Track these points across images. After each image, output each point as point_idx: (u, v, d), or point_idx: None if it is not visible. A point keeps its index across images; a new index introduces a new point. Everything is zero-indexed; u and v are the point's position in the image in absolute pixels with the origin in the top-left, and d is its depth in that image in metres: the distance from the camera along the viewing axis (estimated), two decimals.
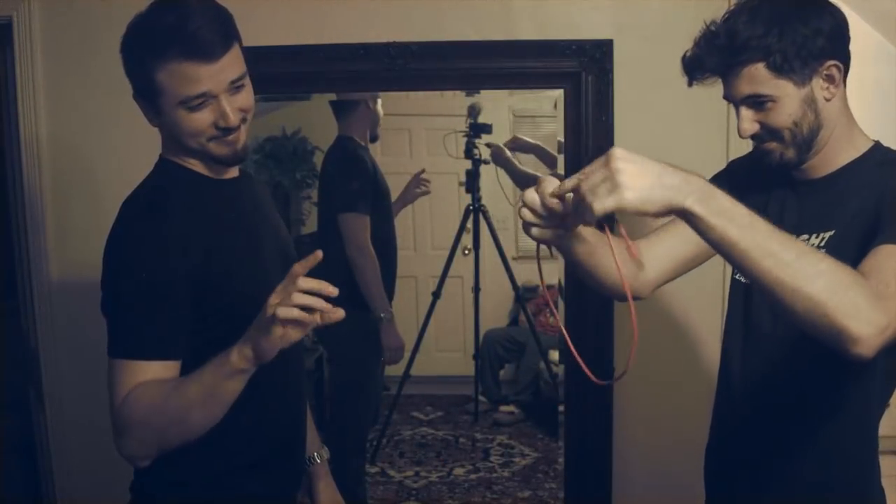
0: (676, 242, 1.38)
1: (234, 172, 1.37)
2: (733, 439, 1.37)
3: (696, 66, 1.26)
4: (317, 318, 1.11)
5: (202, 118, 1.24)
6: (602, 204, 0.95)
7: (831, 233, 1.22)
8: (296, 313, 1.07)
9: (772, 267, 0.98)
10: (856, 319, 0.97)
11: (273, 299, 1.10)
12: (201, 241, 1.24)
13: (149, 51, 1.22)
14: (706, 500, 1.48)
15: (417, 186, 2.69)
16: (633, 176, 0.95)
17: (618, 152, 0.95)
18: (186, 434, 1.21)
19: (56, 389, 2.15)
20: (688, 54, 1.27)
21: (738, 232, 0.97)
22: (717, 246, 0.99)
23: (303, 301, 1.08)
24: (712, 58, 1.24)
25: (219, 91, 1.23)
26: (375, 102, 2.50)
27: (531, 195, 1.05)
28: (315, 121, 2.54)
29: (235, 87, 1.25)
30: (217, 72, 1.22)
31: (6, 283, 2.31)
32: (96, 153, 2.09)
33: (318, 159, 2.60)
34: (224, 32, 1.23)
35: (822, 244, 1.22)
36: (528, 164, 2.57)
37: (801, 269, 0.98)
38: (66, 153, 2.10)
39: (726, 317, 1.41)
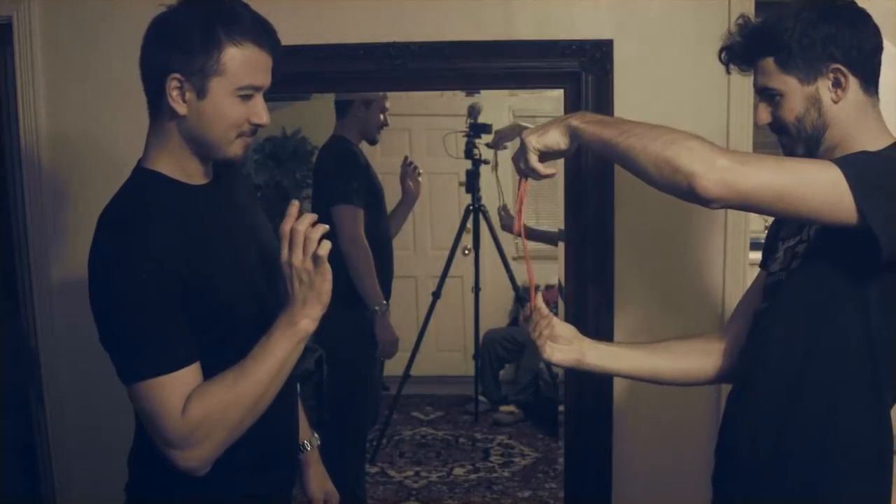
0: (744, 322, 1.51)
1: (208, 177, 1.36)
2: (745, 440, 1.37)
3: (727, 54, 1.38)
4: None
5: (243, 110, 1.26)
6: (531, 149, 1.33)
7: None
8: (329, 245, 1.21)
9: (627, 139, 1.23)
10: (690, 157, 1.16)
11: (294, 258, 1.20)
12: (182, 248, 1.23)
13: (224, 27, 1.22)
14: (713, 500, 1.47)
15: (412, 178, 2.69)
16: (533, 132, 1.34)
17: (523, 136, 1.34)
18: (256, 417, 1.24)
19: (56, 389, 2.15)
20: (724, 42, 1.39)
21: (604, 128, 1.29)
22: (594, 143, 1.29)
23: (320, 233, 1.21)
24: (737, 46, 1.36)
25: (265, 88, 1.27)
26: (367, 107, 2.50)
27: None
28: (315, 121, 2.54)
29: (265, 92, 1.29)
30: (270, 69, 1.27)
31: (6, 283, 2.31)
32: (96, 153, 2.09)
33: None
34: (277, 36, 1.29)
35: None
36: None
37: (649, 134, 1.22)
38: (66, 153, 2.10)
39: (752, 320, 1.45)
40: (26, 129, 2.08)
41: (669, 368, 1.54)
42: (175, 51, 1.23)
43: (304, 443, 1.58)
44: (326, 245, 1.21)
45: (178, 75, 1.23)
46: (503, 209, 2.75)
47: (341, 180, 2.52)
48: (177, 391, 1.20)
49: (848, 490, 1.26)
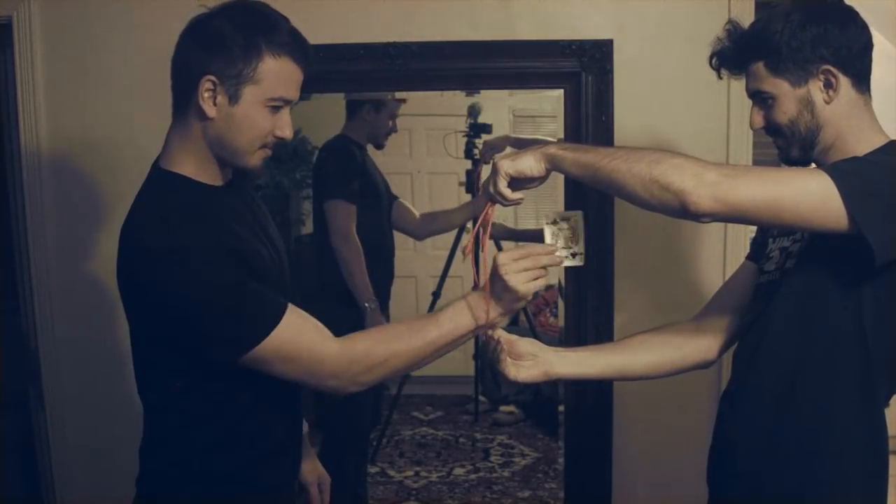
0: (729, 301, 1.53)
1: (225, 180, 1.36)
2: (739, 439, 1.38)
3: (718, 59, 1.39)
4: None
5: (271, 122, 1.27)
6: (502, 174, 1.30)
7: None
8: (535, 287, 1.30)
9: (610, 163, 1.23)
10: (678, 174, 1.17)
11: (507, 271, 1.27)
12: (218, 244, 1.24)
13: (265, 38, 1.23)
14: (709, 500, 1.48)
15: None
16: (506, 156, 1.31)
17: (496, 160, 1.32)
18: (411, 370, 1.36)
19: (56, 389, 2.15)
20: (714, 47, 1.39)
21: (584, 154, 1.28)
22: (575, 169, 1.27)
23: (540, 274, 1.30)
24: (727, 51, 1.36)
25: (293, 101, 1.29)
26: (377, 111, 2.51)
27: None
28: (315, 121, 2.53)
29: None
30: (300, 84, 1.29)
31: (6, 283, 2.31)
32: (96, 153, 2.09)
33: None
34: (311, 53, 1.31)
35: None
36: None
37: (632, 156, 1.22)
38: (66, 153, 2.10)
39: (745, 321, 1.46)
40: (26, 129, 2.08)
41: (641, 364, 1.53)
42: (213, 53, 1.23)
43: None
44: (543, 282, 1.31)
45: (213, 77, 1.23)
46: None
47: (335, 176, 2.53)
48: (310, 322, 1.26)
49: (842, 489, 1.27)
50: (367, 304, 2.47)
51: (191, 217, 1.23)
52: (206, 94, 1.24)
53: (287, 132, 1.30)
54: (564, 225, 1.33)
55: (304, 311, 1.28)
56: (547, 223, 1.33)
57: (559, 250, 1.32)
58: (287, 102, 1.28)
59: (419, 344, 1.29)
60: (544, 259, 1.30)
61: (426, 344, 1.29)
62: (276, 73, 1.24)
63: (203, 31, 1.25)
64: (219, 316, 1.21)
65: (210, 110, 1.24)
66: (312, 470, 1.62)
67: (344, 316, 2.49)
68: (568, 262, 1.33)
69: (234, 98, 1.24)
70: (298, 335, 1.25)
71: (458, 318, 1.31)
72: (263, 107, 1.25)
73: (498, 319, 1.33)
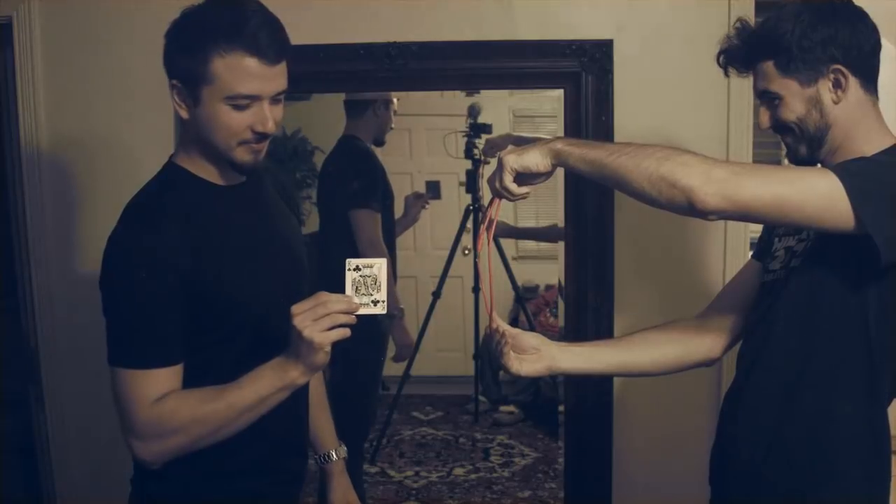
0: (734, 300, 1.53)
1: (240, 178, 1.37)
2: (742, 439, 1.38)
3: (726, 58, 1.39)
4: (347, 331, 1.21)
5: (241, 119, 1.25)
6: (508, 169, 1.30)
7: None
8: (334, 336, 1.18)
9: (617, 159, 1.22)
10: (686, 172, 1.17)
11: (301, 322, 1.17)
12: (192, 247, 1.25)
13: (212, 36, 1.21)
14: (711, 499, 1.48)
15: (416, 205, 2.69)
16: (512, 151, 1.30)
17: (501, 155, 1.31)
18: (219, 439, 1.25)
19: (56, 389, 2.15)
20: (722, 45, 1.39)
21: (591, 149, 1.27)
22: (582, 165, 1.26)
23: (337, 321, 1.19)
24: (735, 50, 1.36)
25: (265, 96, 1.25)
26: (387, 108, 2.51)
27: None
28: (315, 121, 2.53)
29: (276, 99, 1.27)
30: (271, 77, 1.24)
31: (6, 283, 2.31)
32: (96, 153, 2.09)
33: (318, 159, 2.59)
34: (284, 42, 1.26)
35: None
36: None
37: (640, 153, 1.22)
38: (66, 153, 2.10)
39: (749, 319, 1.46)
40: (26, 129, 2.08)
41: (644, 360, 1.52)
42: (173, 58, 1.25)
43: (329, 453, 1.60)
44: (343, 332, 1.20)
45: (176, 82, 1.26)
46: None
47: (362, 183, 2.51)
48: (151, 386, 1.23)
49: (845, 489, 1.27)
50: (394, 313, 2.49)
51: (166, 217, 1.25)
52: (176, 98, 1.26)
53: (266, 126, 1.26)
54: (367, 272, 1.24)
55: (177, 376, 1.26)
56: (348, 269, 1.24)
57: (358, 297, 1.22)
58: (252, 98, 1.24)
59: (221, 406, 1.23)
60: (336, 305, 1.18)
61: (227, 406, 1.23)
62: (229, 70, 1.21)
63: (169, 35, 1.27)
64: (110, 321, 1.26)
65: (182, 112, 1.27)
66: (343, 497, 1.61)
67: (362, 319, 2.49)
68: (366, 310, 1.23)
69: (195, 100, 1.25)
70: (141, 387, 1.23)
71: (259, 381, 1.23)
72: (224, 105, 1.23)
73: (301, 379, 1.23)
